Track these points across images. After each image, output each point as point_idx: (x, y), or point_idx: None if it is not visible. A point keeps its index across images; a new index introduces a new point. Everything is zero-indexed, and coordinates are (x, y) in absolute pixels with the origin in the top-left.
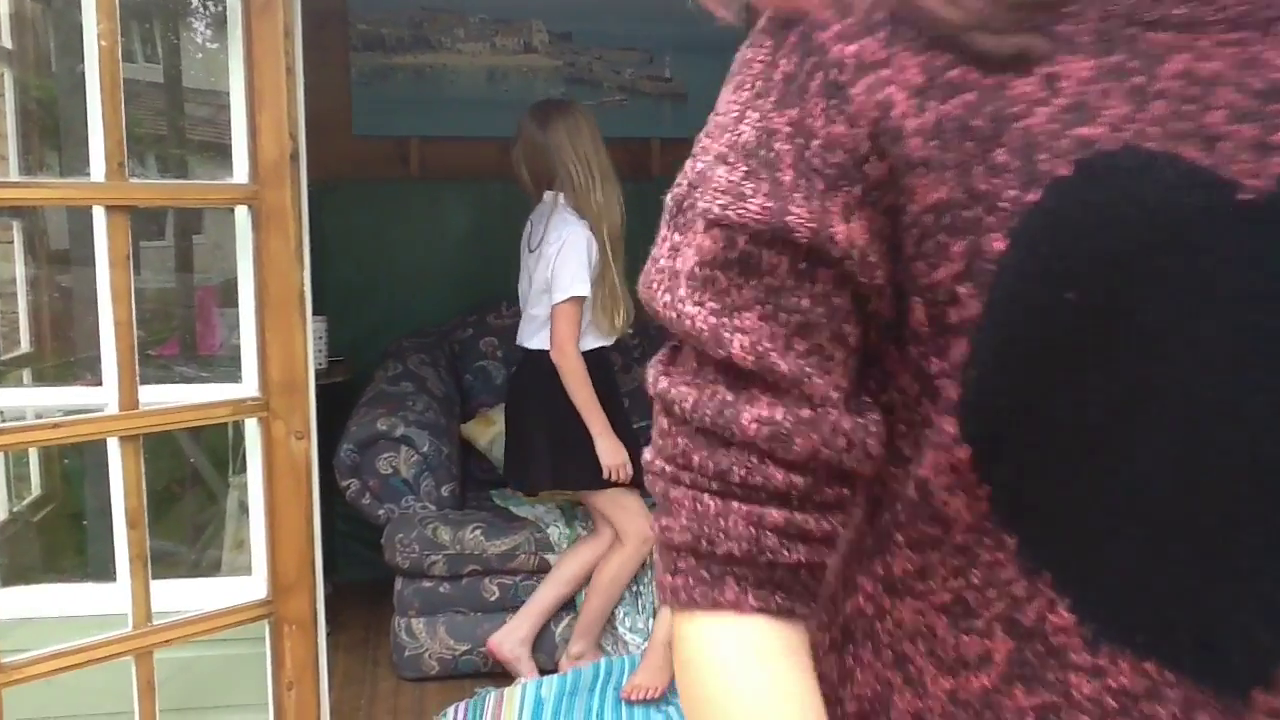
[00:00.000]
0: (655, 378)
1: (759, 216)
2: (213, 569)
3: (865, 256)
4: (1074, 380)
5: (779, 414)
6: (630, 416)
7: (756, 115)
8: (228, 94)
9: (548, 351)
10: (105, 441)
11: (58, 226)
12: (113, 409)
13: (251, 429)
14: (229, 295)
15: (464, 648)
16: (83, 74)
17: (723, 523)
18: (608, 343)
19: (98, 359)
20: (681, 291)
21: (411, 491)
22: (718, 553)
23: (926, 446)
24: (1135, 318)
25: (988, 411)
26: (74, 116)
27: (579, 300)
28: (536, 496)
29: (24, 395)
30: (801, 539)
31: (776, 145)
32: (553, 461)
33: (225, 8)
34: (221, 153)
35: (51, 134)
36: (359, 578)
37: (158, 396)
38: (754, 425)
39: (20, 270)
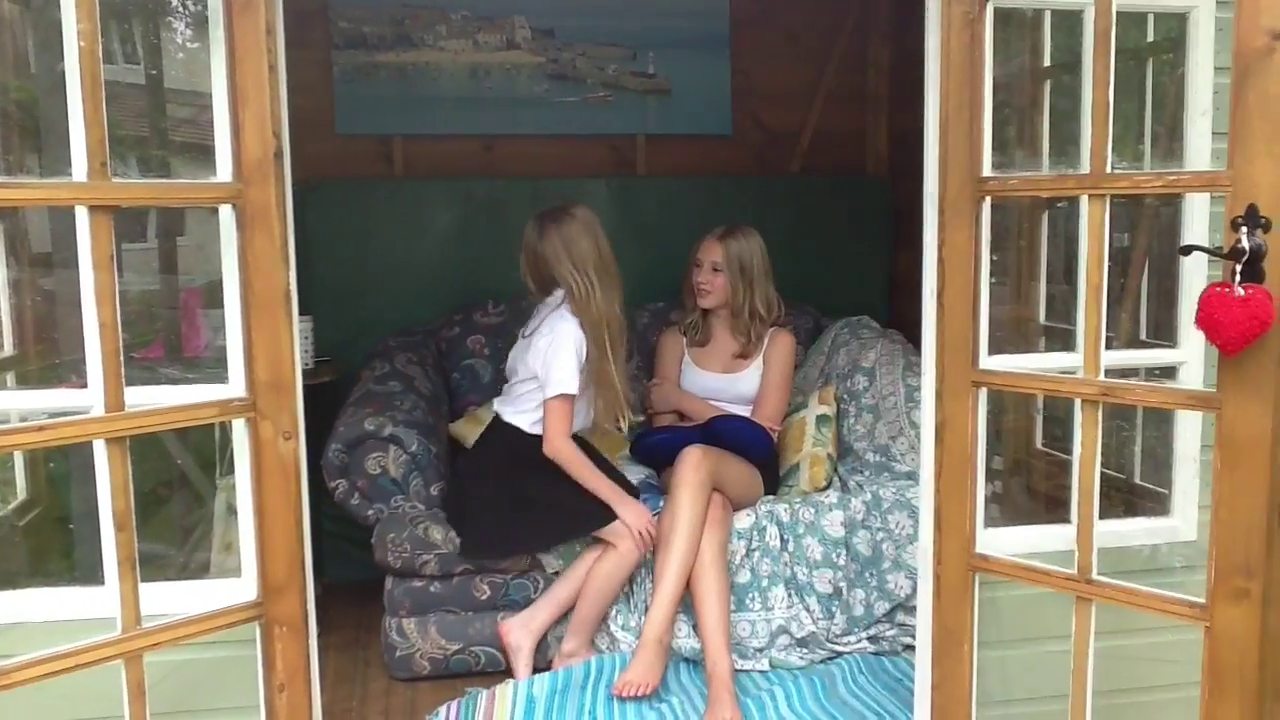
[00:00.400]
0: None
1: None
2: (201, 571)
3: None
4: None
5: None
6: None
7: None
8: (209, 95)
9: (519, 429)
10: (91, 444)
11: (39, 228)
12: (98, 411)
13: (239, 430)
14: (213, 297)
15: (455, 647)
16: (63, 74)
17: None
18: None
19: (82, 361)
20: None
21: (400, 491)
22: None
23: None
24: None
25: None
26: (54, 117)
27: (569, 398)
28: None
29: (8, 398)
30: None
31: None
32: (528, 522)
33: (206, 7)
34: (204, 154)
35: (31, 135)
36: (347, 578)
37: (143, 398)
38: None
39: (2, 272)
